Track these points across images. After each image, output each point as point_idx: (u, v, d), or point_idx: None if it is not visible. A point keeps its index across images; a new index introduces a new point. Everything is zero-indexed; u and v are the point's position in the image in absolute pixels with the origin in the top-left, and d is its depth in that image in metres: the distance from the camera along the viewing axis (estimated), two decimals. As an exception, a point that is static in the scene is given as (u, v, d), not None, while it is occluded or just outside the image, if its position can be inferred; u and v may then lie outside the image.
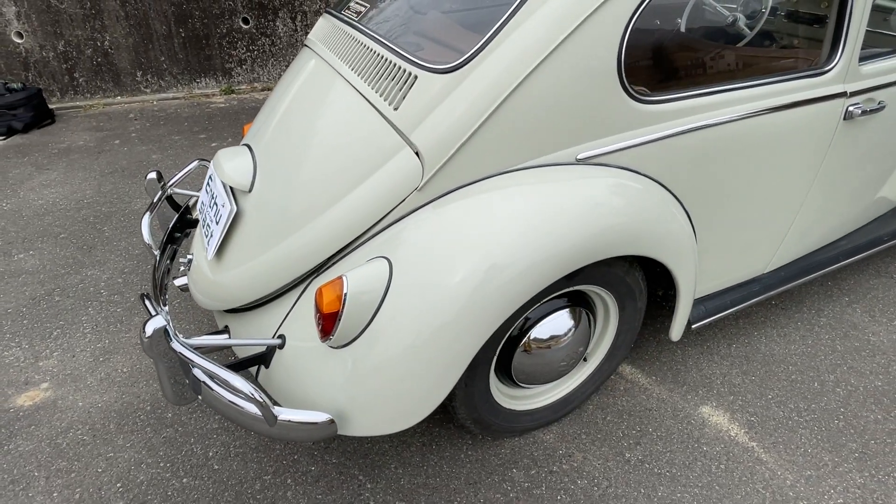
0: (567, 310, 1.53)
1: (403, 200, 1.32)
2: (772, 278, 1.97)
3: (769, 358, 2.04)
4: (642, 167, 1.38)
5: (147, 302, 1.46)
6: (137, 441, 1.71)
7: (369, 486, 1.58)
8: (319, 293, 1.26)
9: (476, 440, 1.71)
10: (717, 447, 1.71)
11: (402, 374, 1.28)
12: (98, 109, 4.57)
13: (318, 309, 1.27)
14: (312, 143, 1.47)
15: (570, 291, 1.54)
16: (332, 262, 1.43)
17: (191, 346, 1.32)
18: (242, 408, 1.28)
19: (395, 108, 1.34)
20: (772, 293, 1.94)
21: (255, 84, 5.19)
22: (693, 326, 1.77)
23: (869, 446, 1.71)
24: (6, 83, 4.33)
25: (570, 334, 1.54)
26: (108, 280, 2.44)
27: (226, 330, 1.67)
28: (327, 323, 1.26)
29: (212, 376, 1.27)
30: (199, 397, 1.37)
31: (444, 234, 1.29)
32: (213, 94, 4.97)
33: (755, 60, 1.51)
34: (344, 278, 1.26)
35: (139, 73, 4.82)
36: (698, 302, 1.83)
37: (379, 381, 1.29)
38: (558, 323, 1.53)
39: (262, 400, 1.21)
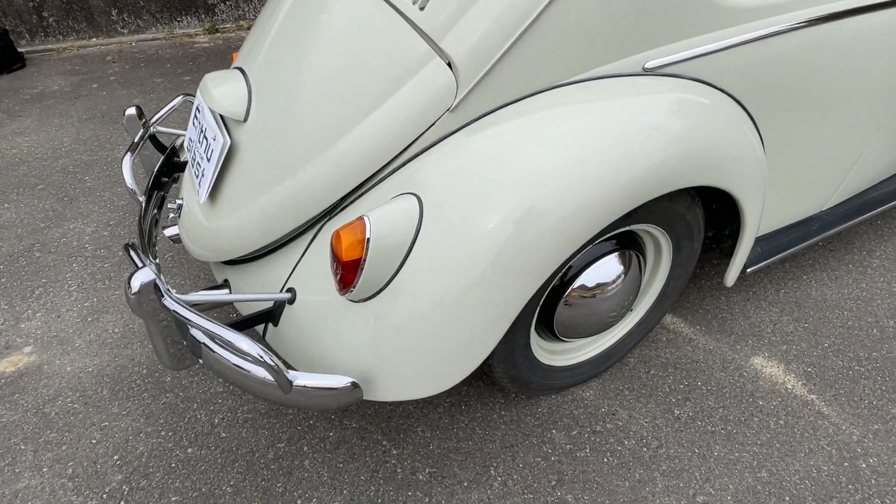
0: (616, 254, 1.33)
1: (433, 124, 1.10)
2: (830, 216, 1.77)
3: (822, 303, 1.87)
4: (719, 79, 1.15)
5: (133, 253, 1.25)
6: (134, 408, 1.54)
7: (395, 451, 1.43)
8: (337, 237, 1.05)
9: (509, 399, 1.55)
10: (773, 401, 1.56)
11: (436, 332, 1.09)
12: (72, 52, 4.21)
13: (335, 256, 1.07)
14: (318, 58, 1.23)
15: (618, 233, 1.34)
16: (348, 201, 1.22)
17: (186, 302, 1.12)
18: (251, 373, 1.09)
19: (421, 8, 1.09)
20: (830, 232, 1.75)
21: (241, 22, 4.79)
22: (748, 270, 1.59)
23: (938, 396, 1.56)
24: (-32, 23, 3.95)
25: (619, 281, 1.35)
26: (92, 233, 2.22)
27: (225, 284, 1.47)
28: (347, 273, 1.06)
29: (213, 337, 1.07)
30: (200, 361, 1.18)
31: (481, 166, 1.07)
32: (196, 34, 4.59)
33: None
34: (366, 219, 1.05)
35: (114, 13, 4.43)
36: (755, 243, 1.64)
37: (408, 340, 1.11)
38: (607, 269, 1.33)
39: (273, 363, 1.03)
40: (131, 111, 1.71)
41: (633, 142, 1.06)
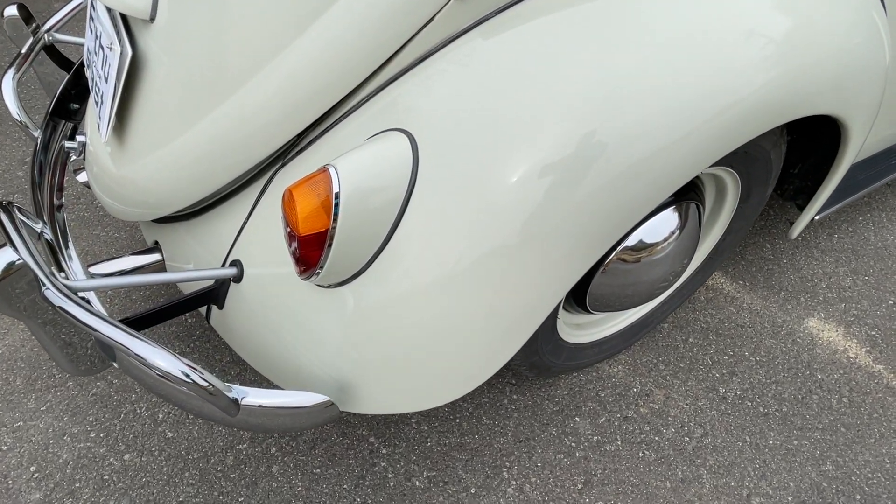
0: (672, 207, 1.01)
1: (432, 19, 0.72)
2: (911, 147, 1.45)
3: (882, 251, 1.59)
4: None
5: (5, 217, 0.88)
6: (56, 403, 1.23)
7: (385, 451, 1.16)
8: (289, 198, 0.71)
9: (522, 379, 1.28)
10: (834, 374, 1.31)
11: (442, 328, 0.78)
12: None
13: (289, 227, 0.72)
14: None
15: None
16: (307, 139, 0.85)
17: (81, 290, 0.78)
18: (183, 387, 0.78)
19: None
20: (911, 167, 1.43)
21: None
22: (816, 218, 1.28)
23: None
24: None
25: (673, 241, 1.04)
26: None
27: (156, 247, 1.12)
28: (309, 250, 0.72)
29: (117, 349, 0.74)
30: (115, 365, 0.86)
31: (507, 84, 0.71)
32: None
33: None
34: (331, 170, 0.69)
35: None
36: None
37: (401, 339, 0.79)
38: (661, 225, 1.01)
39: (206, 384, 0.71)
40: (11, 11, 1.26)
41: (734, 50, 0.69)
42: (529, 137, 0.69)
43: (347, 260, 0.74)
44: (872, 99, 0.89)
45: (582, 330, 1.19)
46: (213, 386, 0.72)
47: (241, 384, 0.78)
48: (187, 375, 0.70)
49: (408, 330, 0.78)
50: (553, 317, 1.01)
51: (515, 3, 0.71)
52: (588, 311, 1.10)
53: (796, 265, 1.55)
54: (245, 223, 0.92)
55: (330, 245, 0.71)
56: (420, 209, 0.72)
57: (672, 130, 0.70)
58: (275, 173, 0.89)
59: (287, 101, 0.80)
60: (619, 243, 0.98)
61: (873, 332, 1.39)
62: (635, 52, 0.70)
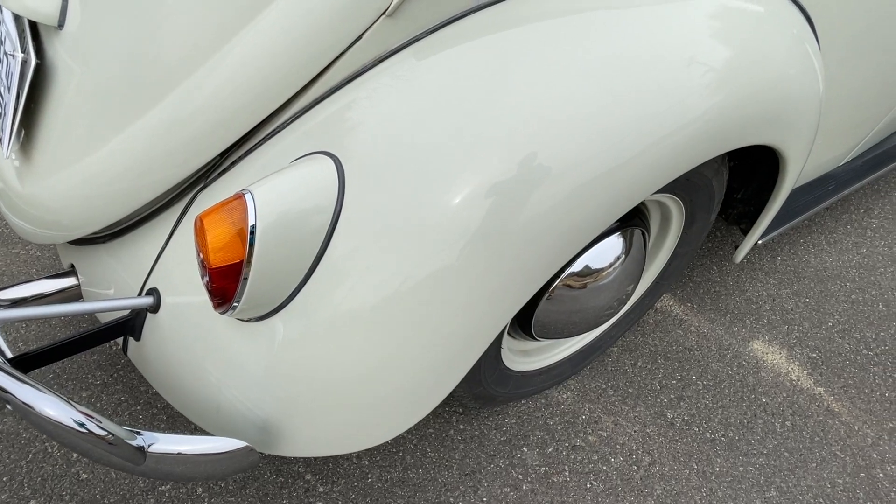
0: (617, 232, 0.99)
1: (361, 36, 0.68)
2: (846, 173, 1.50)
3: (822, 273, 1.63)
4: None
5: None
6: (-46, 442, 1.11)
7: (321, 489, 1.09)
8: (200, 227, 0.64)
9: (469, 407, 1.23)
10: (778, 397, 1.32)
11: (376, 363, 0.72)
12: None
13: (200, 257, 0.66)
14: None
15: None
16: (230, 160, 0.79)
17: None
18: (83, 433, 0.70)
19: None
20: (846, 192, 1.48)
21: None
22: (759, 242, 1.30)
23: (952, 384, 1.37)
24: None
25: (619, 266, 1.02)
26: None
27: (72, 271, 1.03)
28: (223, 282, 0.66)
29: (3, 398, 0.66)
30: (8, 407, 0.78)
31: (444, 105, 0.67)
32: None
33: None
34: (247, 197, 0.64)
35: None
36: (765, 207, 1.34)
37: (331, 376, 0.74)
38: (606, 251, 0.99)
39: (104, 432, 0.64)
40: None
41: (673, 78, 0.68)
42: (466, 161, 0.66)
43: (267, 292, 0.69)
44: (808, 129, 0.90)
45: (529, 357, 1.16)
46: (112, 435, 0.64)
47: (167, 419, 0.71)
48: (82, 424, 0.63)
49: (337, 365, 0.73)
50: (497, 346, 0.97)
51: (449, 24, 0.68)
52: (534, 338, 1.07)
53: (742, 287, 1.57)
54: (164, 249, 0.85)
55: (246, 278, 0.65)
56: (347, 237, 0.67)
57: (613, 157, 0.67)
58: (196, 195, 0.83)
59: (209, 118, 0.74)
60: (564, 269, 0.95)
61: (814, 355, 1.42)
62: (575, 77, 0.68)
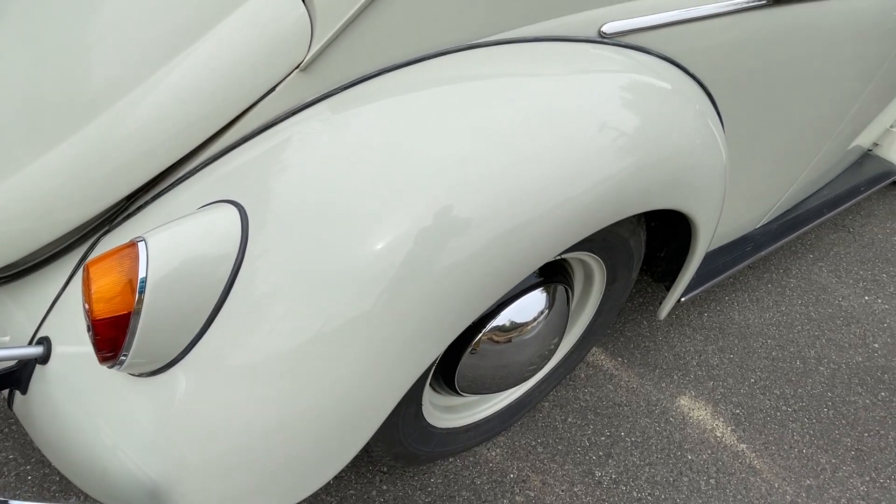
0: (541, 288, 1.00)
1: (274, 88, 0.68)
2: (763, 235, 1.59)
3: (745, 330, 1.70)
4: (692, 58, 0.83)
5: None
6: None
7: (227, 558, 1.00)
8: (86, 275, 0.61)
9: (393, 466, 1.18)
10: (703, 454, 1.33)
11: (276, 422, 0.68)
12: None
13: (86, 307, 0.62)
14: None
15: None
16: (137, 203, 0.76)
17: None
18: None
19: None
20: (763, 253, 1.56)
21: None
22: (682, 300, 1.34)
23: (864, 441, 1.43)
24: None
25: (541, 322, 1.02)
26: None
27: (-40, 316, 0.95)
28: (107, 335, 0.61)
29: None
30: None
31: (359, 157, 0.67)
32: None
33: None
34: (141, 246, 0.61)
35: None
36: (687, 266, 1.40)
37: (228, 434, 0.69)
38: (528, 306, 1.00)
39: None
40: None
41: (584, 142, 0.71)
42: (371, 215, 0.65)
43: (159, 346, 0.65)
44: (715, 195, 0.95)
45: (456, 413, 1.14)
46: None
47: (60, 480, 0.64)
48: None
49: (234, 423, 0.68)
50: (416, 402, 0.94)
51: (362, 81, 0.69)
52: (459, 394, 1.04)
53: (670, 342, 1.61)
54: (59, 295, 0.80)
55: (134, 332, 0.61)
56: (247, 288, 0.64)
57: (519, 214, 0.68)
58: (98, 239, 0.78)
59: (116, 160, 0.72)
60: (485, 323, 0.95)
61: (737, 411, 1.45)
62: (483, 136, 0.69)
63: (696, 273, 1.40)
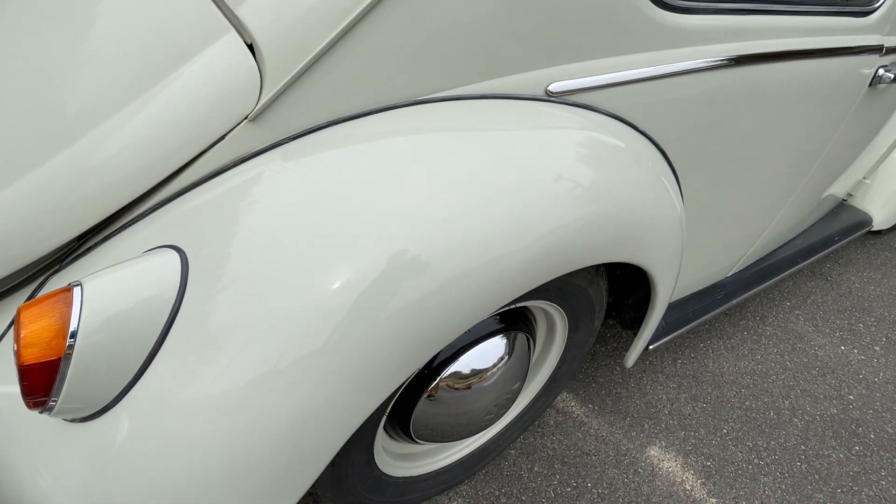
0: (500, 335, 1.00)
1: (223, 137, 0.69)
2: (735, 283, 1.60)
3: (719, 378, 1.69)
4: (640, 116, 0.86)
5: None
6: None
7: None
8: (17, 319, 0.60)
9: (351, 515, 1.15)
10: (671, 508, 1.30)
11: (205, 470, 0.67)
12: None
13: (15, 352, 0.61)
14: (55, 13, 0.77)
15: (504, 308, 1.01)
16: (86, 245, 0.76)
17: None
18: None
19: None
20: (735, 301, 1.57)
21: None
22: (650, 348, 1.34)
23: (836, 497, 1.40)
24: None
25: (498, 371, 1.02)
26: None
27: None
28: (35, 381, 0.61)
29: None
30: None
31: (294, 206, 0.68)
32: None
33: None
34: (75, 291, 0.60)
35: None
36: (657, 315, 1.40)
37: (161, 483, 0.67)
38: (485, 353, 0.99)
39: None
40: None
41: (531, 195, 0.72)
42: (313, 262, 0.65)
43: (91, 392, 0.64)
44: (670, 249, 0.96)
45: (414, 461, 1.11)
46: None
47: None
48: None
49: (166, 472, 0.67)
50: (366, 450, 0.92)
51: (312, 132, 0.70)
52: (415, 441, 1.03)
53: (643, 389, 1.59)
54: (3, 335, 0.79)
55: (64, 378, 0.61)
56: (184, 335, 0.64)
57: (461, 264, 0.68)
58: (46, 280, 0.78)
59: (67, 204, 0.72)
60: (441, 369, 0.94)
61: (708, 463, 1.43)
62: (442, 186, 0.70)
63: (665, 321, 1.40)
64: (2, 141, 0.74)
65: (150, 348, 0.64)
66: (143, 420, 0.65)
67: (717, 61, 0.87)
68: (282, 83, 0.66)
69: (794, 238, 1.88)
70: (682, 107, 0.88)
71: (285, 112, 0.68)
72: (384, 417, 0.91)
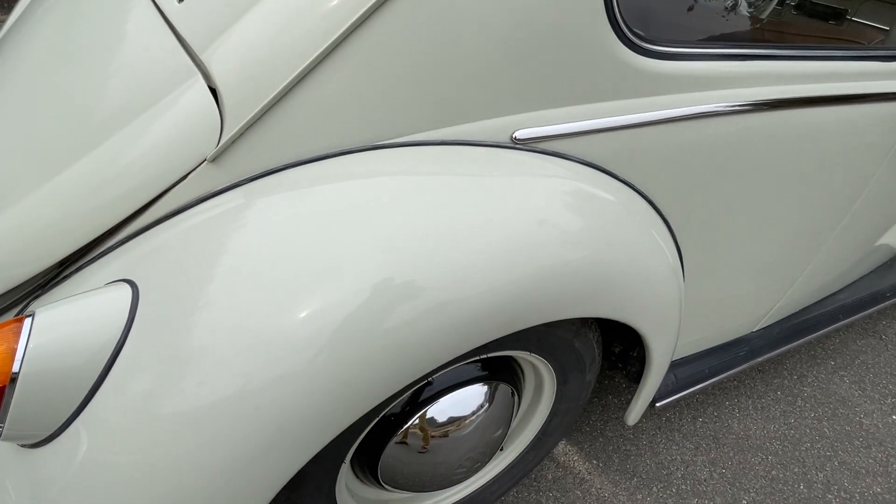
0: (480, 383, 0.96)
1: (185, 177, 0.71)
2: (762, 339, 1.48)
3: (744, 441, 1.55)
4: (622, 165, 0.81)
5: None
6: None
7: None
8: (-30, 346, 0.63)
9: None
10: (673, 584, 1.19)
11: (146, 498, 0.66)
12: None
13: (-34, 375, 0.64)
14: (56, 59, 0.83)
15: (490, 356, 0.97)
16: (63, 274, 0.80)
17: None
18: None
19: (180, 1, 0.72)
20: (760, 359, 1.45)
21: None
22: (657, 405, 1.25)
23: (872, 590, 1.24)
24: None
25: (479, 417, 0.97)
26: None
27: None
28: (-18, 404, 0.63)
29: None
30: None
31: (243, 243, 0.68)
32: None
33: (809, 25, 0.98)
34: (26, 322, 0.63)
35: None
36: (668, 369, 1.31)
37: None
38: (463, 400, 0.95)
39: None
40: None
41: (482, 243, 0.69)
42: (264, 298, 0.65)
43: (37, 419, 0.65)
44: (661, 304, 0.89)
45: (386, 509, 1.07)
46: None
47: None
48: None
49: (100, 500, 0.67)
50: (326, 495, 0.89)
51: (272, 174, 0.71)
52: (383, 487, 0.99)
53: (655, 448, 1.49)
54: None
55: (9, 403, 0.62)
56: (126, 368, 0.65)
57: (405, 312, 0.66)
58: (28, 303, 0.82)
59: (45, 235, 0.76)
60: (413, 412, 0.91)
61: (722, 537, 1.30)
62: (389, 232, 0.68)
63: (675, 376, 1.31)
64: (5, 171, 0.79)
65: (94, 380, 0.65)
66: (82, 449, 0.66)
67: (709, 110, 0.81)
68: (239, 126, 0.67)
69: (836, 292, 1.73)
70: (669, 156, 0.83)
71: (244, 154, 0.69)
72: (344, 463, 0.89)
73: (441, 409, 0.94)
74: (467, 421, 0.97)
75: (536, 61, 0.69)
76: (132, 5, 0.77)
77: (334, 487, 0.90)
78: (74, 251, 0.76)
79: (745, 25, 0.86)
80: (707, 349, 1.38)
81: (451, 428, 0.96)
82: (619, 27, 0.71)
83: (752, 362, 1.42)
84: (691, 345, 1.33)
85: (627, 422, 1.21)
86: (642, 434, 1.52)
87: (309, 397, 0.66)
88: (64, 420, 0.67)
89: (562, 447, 1.45)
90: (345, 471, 0.94)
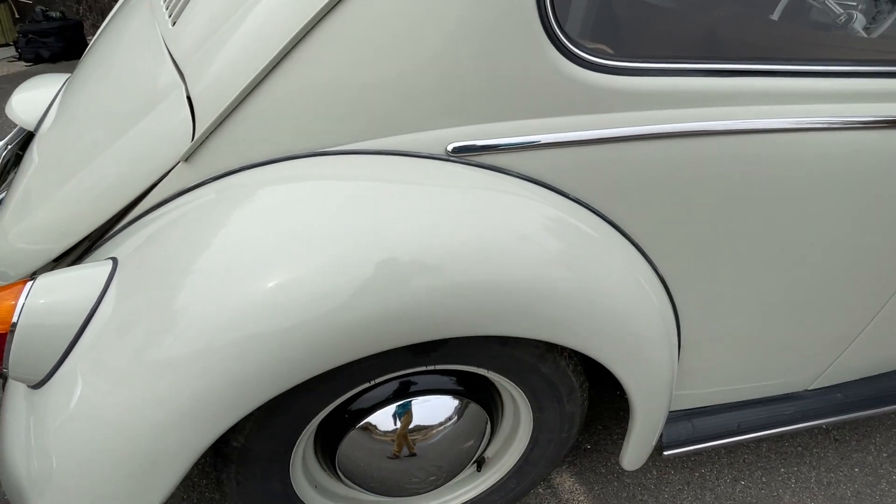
0: (452, 396, 0.97)
1: (166, 174, 0.82)
2: (817, 401, 1.28)
3: (793, 518, 1.34)
4: (569, 182, 0.78)
5: None
6: None
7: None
8: (-14, 299, 0.79)
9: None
10: None
11: (108, 435, 0.77)
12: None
13: (-16, 322, 0.80)
14: (97, 76, 1.01)
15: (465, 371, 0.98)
16: (71, 256, 0.96)
17: None
18: None
19: (174, 23, 0.84)
20: (811, 424, 1.25)
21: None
22: (665, 454, 1.14)
23: None
24: (46, 11, 4.27)
25: (447, 428, 0.98)
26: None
27: None
28: (-2, 348, 0.79)
29: None
30: None
31: (216, 228, 0.78)
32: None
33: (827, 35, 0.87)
34: (28, 285, 0.78)
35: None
36: (685, 415, 1.19)
37: (78, 455, 0.80)
38: (431, 409, 0.97)
39: None
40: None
41: (400, 251, 0.71)
42: (226, 274, 0.74)
43: (31, 363, 0.80)
44: (632, 339, 0.83)
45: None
46: None
47: None
48: None
49: (74, 437, 0.79)
50: (280, 481, 0.95)
51: (238, 171, 0.80)
52: (340, 479, 1.02)
53: (678, 505, 1.34)
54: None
55: (9, 347, 0.77)
56: (95, 332, 0.77)
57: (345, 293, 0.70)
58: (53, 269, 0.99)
59: (61, 224, 0.91)
60: (371, 411, 0.94)
61: None
62: (303, 231, 0.74)
63: (697, 426, 1.19)
64: (46, 168, 0.97)
65: (74, 333, 0.78)
66: (64, 392, 0.79)
67: (685, 129, 0.75)
68: (203, 130, 0.77)
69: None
70: (638, 177, 0.77)
71: (211, 155, 0.79)
72: (296, 446, 0.93)
73: (394, 412, 0.96)
74: (433, 431, 0.98)
75: (470, 76, 0.70)
76: (148, 32, 0.92)
77: (288, 472, 0.95)
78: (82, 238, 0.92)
79: (724, 38, 0.78)
80: (740, 401, 1.23)
81: (411, 433, 0.97)
82: (561, 43, 0.69)
83: (799, 425, 1.24)
84: (718, 394, 1.19)
85: (622, 464, 1.12)
86: (665, 486, 1.38)
87: (240, 361, 0.72)
88: (52, 365, 0.80)
89: (569, 485, 1.37)
90: (299, 457, 0.99)
